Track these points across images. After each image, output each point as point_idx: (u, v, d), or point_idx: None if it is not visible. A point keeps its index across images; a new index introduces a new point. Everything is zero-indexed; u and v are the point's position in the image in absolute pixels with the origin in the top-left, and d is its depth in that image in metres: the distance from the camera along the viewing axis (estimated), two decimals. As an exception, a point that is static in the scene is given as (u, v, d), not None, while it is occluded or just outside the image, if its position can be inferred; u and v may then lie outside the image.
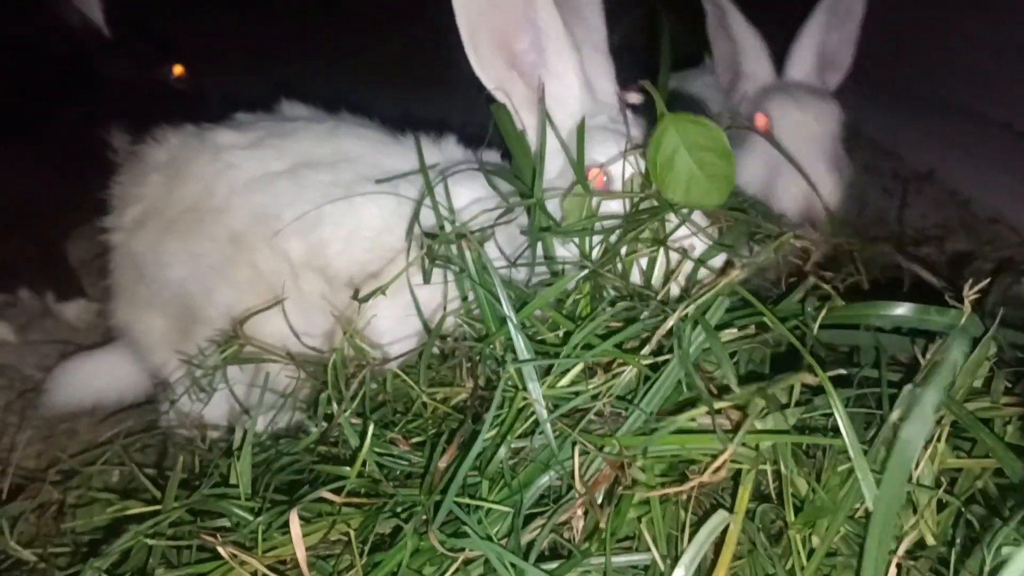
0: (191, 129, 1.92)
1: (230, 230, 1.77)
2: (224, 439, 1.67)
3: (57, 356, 2.35)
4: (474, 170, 1.66)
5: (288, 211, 1.73)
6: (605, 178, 1.47)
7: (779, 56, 2.21)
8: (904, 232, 3.25)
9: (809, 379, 1.09)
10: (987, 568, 0.99)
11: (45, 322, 2.62)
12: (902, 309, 1.20)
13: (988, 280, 1.24)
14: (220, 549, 0.99)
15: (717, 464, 0.97)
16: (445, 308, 1.48)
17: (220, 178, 1.80)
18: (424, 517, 1.04)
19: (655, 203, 1.35)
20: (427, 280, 1.39)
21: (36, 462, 1.91)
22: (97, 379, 2.06)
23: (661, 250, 1.30)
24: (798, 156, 1.88)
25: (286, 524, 1.08)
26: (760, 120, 2.04)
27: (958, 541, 1.04)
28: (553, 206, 1.45)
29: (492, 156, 1.73)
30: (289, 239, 1.74)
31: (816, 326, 1.24)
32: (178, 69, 2.70)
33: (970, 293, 1.13)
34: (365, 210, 1.71)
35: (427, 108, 2.72)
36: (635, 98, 1.47)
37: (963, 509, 1.05)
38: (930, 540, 1.01)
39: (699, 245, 1.33)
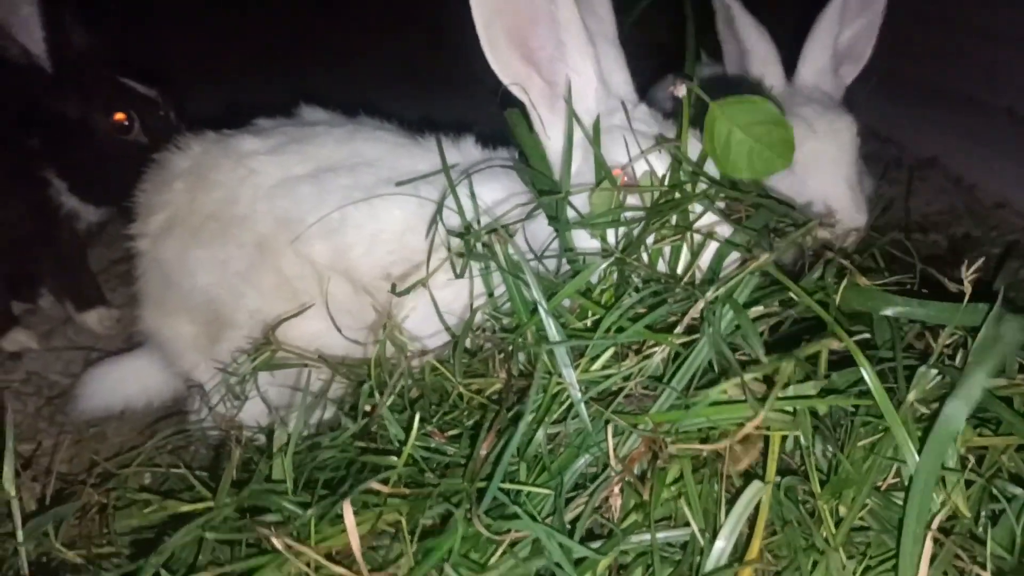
0: (213, 136, 1.95)
1: (255, 236, 1.80)
2: (254, 439, 1.70)
3: (82, 362, 2.40)
4: (500, 166, 1.69)
5: (311, 215, 1.76)
6: (626, 179, 1.50)
7: (789, 52, 2.17)
8: (910, 219, 3.29)
9: (835, 344, 1.12)
10: (1018, 540, 1.02)
11: (67, 329, 2.66)
12: (906, 301, 1.24)
13: (982, 260, 1.26)
14: (275, 541, 1.02)
15: (749, 427, 1.00)
16: (472, 303, 1.51)
17: (243, 184, 1.83)
18: (467, 505, 1.07)
19: (679, 195, 1.38)
20: (460, 275, 1.43)
21: (69, 467, 1.95)
22: (126, 384, 2.10)
23: (685, 239, 1.34)
24: (822, 181, 1.91)
25: (335, 517, 1.12)
26: None
27: (983, 515, 1.08)
28: (577, 202, 1.47)
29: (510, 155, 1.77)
30: (313, 243, 1.77)
31: (839, 296, 1.27)
32: (119, 116, 2.43)
33: (969, 275, 1.16)
34: (387, 213, 1.74)
35: (441, 108, 2.76)
36: (682, 91, 1.47)
37: (988, 484, 1.08)
38: (964, 512, 1.04)
39: (723, 232, 1.36)
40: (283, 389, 1.70)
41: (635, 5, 1.95)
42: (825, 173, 1.94)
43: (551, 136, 1.60)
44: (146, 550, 1.27)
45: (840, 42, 2.13)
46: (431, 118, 2.01)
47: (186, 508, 1.28)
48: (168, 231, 1.89)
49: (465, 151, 1.83)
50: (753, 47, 2.12)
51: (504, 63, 1.53)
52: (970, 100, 4.97)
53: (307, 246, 1.78)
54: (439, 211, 1.58)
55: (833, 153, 1.97)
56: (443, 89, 4.02)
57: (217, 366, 1.73)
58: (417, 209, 1.70)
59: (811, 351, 1.13)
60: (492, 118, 1.75)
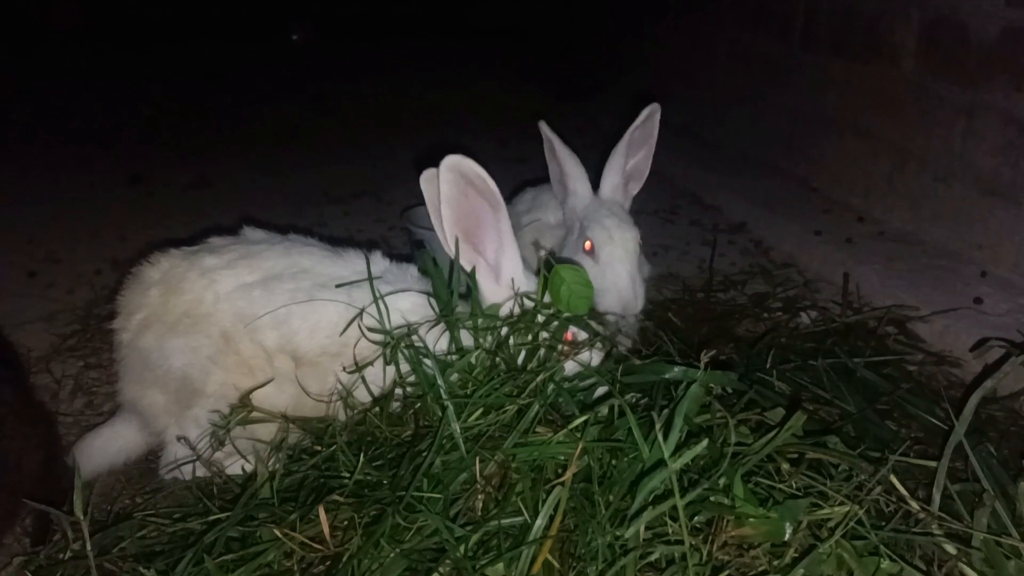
0: (177, 252, 2.61)
1: (219, 328, 2.45)
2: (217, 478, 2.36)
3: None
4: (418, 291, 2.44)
5: (262, 311, 2.44)
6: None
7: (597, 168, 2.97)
8: (713, 279, 4.08)
9: (618, 401, 1.88)
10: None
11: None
12: (662, 368, 2.04)
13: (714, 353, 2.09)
14: (276, 531, 1.71)
15: (575, 458, 1.76)
16: (384, 378, 2.25)
17: (207, 291, 2.48)
18: (392, 507, 1.79)
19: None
20: (388, 362, 2.18)
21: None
22: (111, 447, 2.66)
23: (531, 336, 2.14)
24: (614, 274, 2.74)
25: (310, 517, 1.81)
26: (588, 244, 2.82)
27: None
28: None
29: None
30: (265, 332, 2.44)
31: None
32: None
33: (705, 359, 1.96)
34: (323, 308, 2.41)
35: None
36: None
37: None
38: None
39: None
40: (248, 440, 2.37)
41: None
42: (617, 269, 2.77)
43: (488, 291, 2.34)
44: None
45: (628, 167, 2.96)
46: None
47: (213, 517, 1.94)
48: (146, 326, 2.52)
49: (376, 262, 2.55)
50: (569, 170, 2.93)
51: (462, 252, 2.28)
52: (775, 170, 5.92)
53: (260, 334, 2.45)
54: (359, 315, 2.31)
55: (622, 255, 2.79)
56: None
57: (200, 425, 2.39)
58: (345, 307, 2.40)
59: (605, 408, 1.91)
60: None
